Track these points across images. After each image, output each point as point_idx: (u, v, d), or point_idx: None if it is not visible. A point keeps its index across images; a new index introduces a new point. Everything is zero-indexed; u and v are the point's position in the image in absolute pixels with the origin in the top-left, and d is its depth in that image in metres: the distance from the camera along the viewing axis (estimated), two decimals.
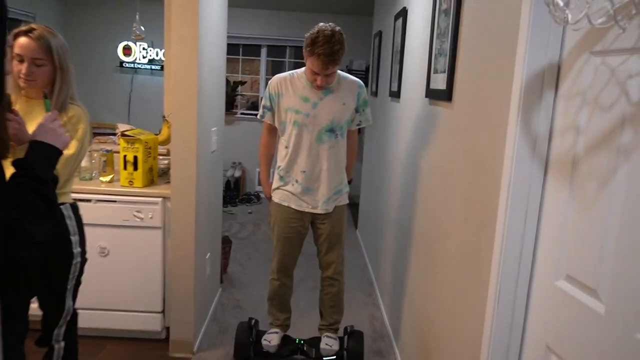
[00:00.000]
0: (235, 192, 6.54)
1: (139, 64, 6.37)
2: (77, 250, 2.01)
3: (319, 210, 2.60)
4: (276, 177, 2.66)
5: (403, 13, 3.28)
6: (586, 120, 1.24)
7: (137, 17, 3.70)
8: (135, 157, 2.76)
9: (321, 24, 2.39)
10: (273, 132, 2.70)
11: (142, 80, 6.48)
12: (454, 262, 1.94)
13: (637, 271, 1.04)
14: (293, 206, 2.60)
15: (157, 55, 6.40)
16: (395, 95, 3.40)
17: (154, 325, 2.89)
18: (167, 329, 2.91)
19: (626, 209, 1.08)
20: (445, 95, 2.11)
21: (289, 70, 2.63)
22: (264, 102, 2.62)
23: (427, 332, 2.29)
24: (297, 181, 2.57)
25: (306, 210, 2.60)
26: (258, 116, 2.68)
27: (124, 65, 6.38)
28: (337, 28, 2.37)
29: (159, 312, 2.89)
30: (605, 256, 1.14)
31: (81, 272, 2.07)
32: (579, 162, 1.26)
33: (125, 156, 2.77)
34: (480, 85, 1.75)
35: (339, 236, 2.70)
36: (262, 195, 6.79)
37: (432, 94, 2.35)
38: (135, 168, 2.78)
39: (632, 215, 1.06)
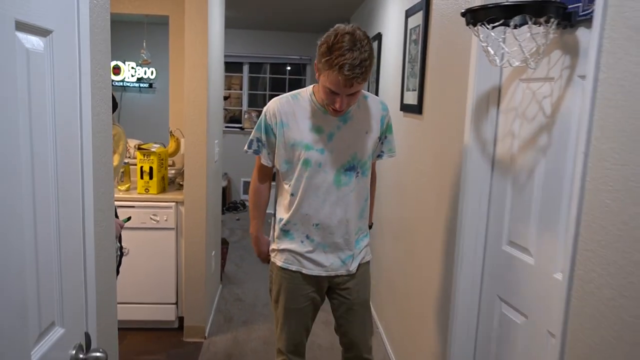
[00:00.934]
0: (222, 201, 6.93)
1: (127, 82, 6.73)
2: (117, 245, 2.41)
3: (339, 272, 2.00)
4: (277, 232, 2.03)
5: (378, 37, 3.78)
6: (518, 129, 1.72)
7: (145, 43, 4.11)
8: (151, 168, 3.17)
9: (338, 25, 1.76)
10: (268, 174, 2.08)
11: (131, 97, 6.83)
12: (428, 242, 2.41)
13: (551, 232, 1.52)
14: (304, 271, 1.99)
15: (145, 74, 6.78)
16: None
17: (168, 315, 3.29)
18: (180, 318, 3.31)
19: (544, 191, 1.57)
20: (416, 109, 2.60)
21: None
22: (256, 133, 1.98)
23: (405, 304, 2.76)
24: (307, 237, 1.96)
25: (323, 275, 1.99)
26: (250, 151, 2.01)
27: (113, 83, 6.73)
28: (361, 29, 1.75)
29: (173, 304, 3.28)
30: (532, 224, 1.62)
31: (119, 263, 2.46)
32: (514, 159, 1.75)
33: (142, 167, 3.17)
34: (443, 101, 2.24)
35: (364, 304, 2.08)
36: (247, 203, 7.20)
37: (406, 108, 2.84)
38: (151, 177, 3.18)
39: (548, 195, 1.55)
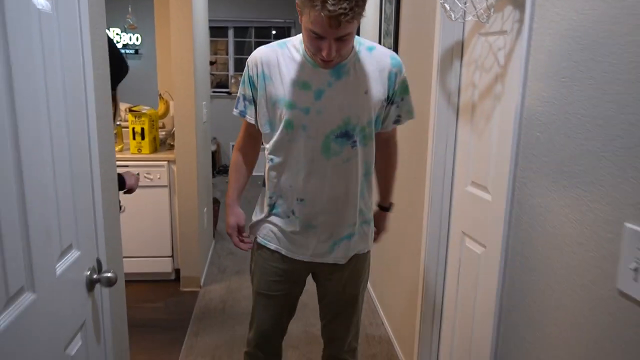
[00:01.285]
0: (212, 165, 7.11)
1: None
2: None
3: (325, 260, 1.73)
4: (265, 207, 1.76)
5: None
6: (478, 79, 1.90)
7: (130, 9, 4.19)
8: (143, 129, 3.32)
9: None
10: (254, 134, 1.77)
11: None
12: (400, 185, 2.62)
13: (503, 169, 1.72)
14: (283, 252, 1.73)
15: (130, 40, 6.83)
16: None
17: (165, 267, 3.50)
18: (176, 270, 3.53)
19: (499, 133, 1.76)
20: None
21: (253, 49, 1.87)
22: (240, 89, 1.71)
23: (383, 244, 2.98)
24: (293, 213, 1.68)
25: (305, 260, 1.73)
26: (236, 112, 1.72)
27: None
28: None
29: (169, 257, 3.49)
30: (489, 164, 1.82)
31: None
32: (475, 107, 1.93)
33: (133, 128, 3.32)
34: (414, 57, 2.40)
35: (351, 301, 1.83)
36: None
37: None
38: (143, 138, 3.34)
39: (502, 137, 1.74)
